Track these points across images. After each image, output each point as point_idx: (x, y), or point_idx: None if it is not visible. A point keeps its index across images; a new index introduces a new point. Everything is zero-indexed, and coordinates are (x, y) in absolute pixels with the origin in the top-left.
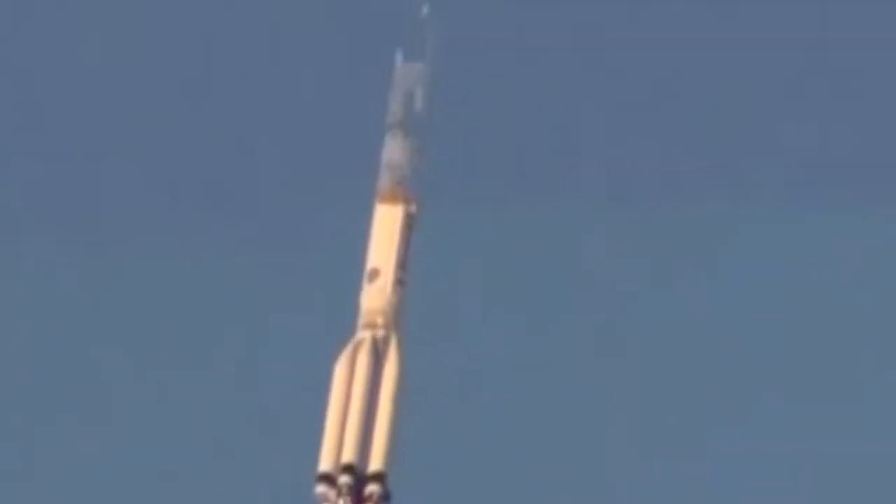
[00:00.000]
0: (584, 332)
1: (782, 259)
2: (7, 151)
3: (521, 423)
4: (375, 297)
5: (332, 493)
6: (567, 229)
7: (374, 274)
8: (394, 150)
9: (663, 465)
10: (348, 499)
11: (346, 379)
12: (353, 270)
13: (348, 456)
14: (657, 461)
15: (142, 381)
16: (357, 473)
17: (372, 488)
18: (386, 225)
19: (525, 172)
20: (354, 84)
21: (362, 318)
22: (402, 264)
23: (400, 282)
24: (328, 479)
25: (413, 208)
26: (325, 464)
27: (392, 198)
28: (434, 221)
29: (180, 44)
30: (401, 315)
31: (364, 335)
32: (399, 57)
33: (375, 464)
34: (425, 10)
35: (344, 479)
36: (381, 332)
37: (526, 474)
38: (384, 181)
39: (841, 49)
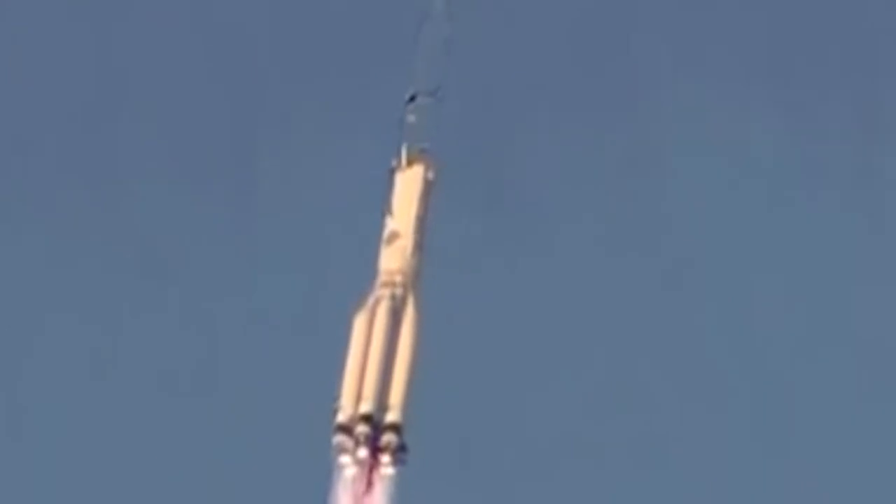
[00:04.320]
0: (598, 288)
1: None
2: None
3: (535, 381)
4: (394, 257)
5: (349, 443)
6: (579, 194)
7: (394, 236)
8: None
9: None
10: (365, 448)
11: (365, 334)
12: (372, 234)
13: (366, 406)
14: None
15: (169, 335)
16: (374, 422)
17: (388, 438)
18: (406, 190)
19: (540, 137)
20: (377, 50)
21: (381, 278)
22: (421, 228)
23: (419, 245)
24: (346, 429)
25: (431, 175)
26: (343, 415)
27: (412, 164)
28: (451, 188)
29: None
30: (419, 276)
31: (383, 293)
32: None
33: (392, 415)
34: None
35: (361, 429)
36: (399, 291)
37: (536, 430)
38: (405, 148)
39: None
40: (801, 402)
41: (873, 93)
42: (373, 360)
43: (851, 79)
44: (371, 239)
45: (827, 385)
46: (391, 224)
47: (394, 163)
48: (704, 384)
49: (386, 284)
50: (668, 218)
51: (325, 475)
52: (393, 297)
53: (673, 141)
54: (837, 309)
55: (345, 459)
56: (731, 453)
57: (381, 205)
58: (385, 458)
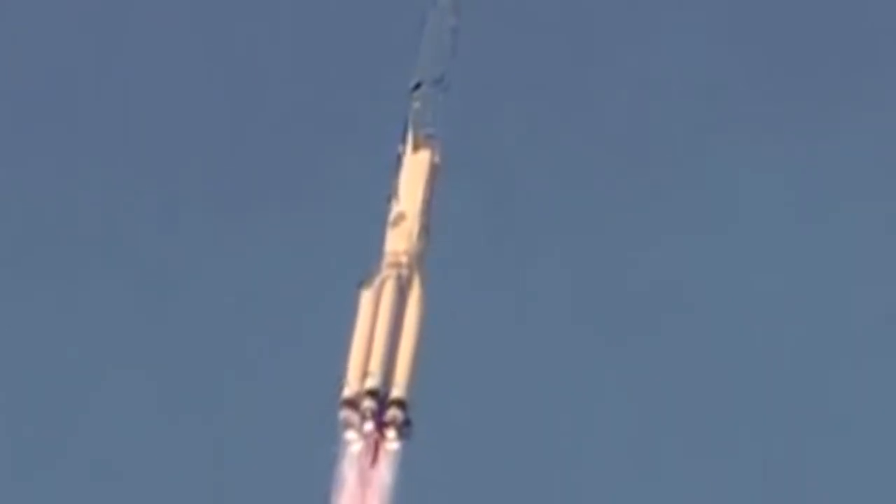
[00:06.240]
0: (599, 273)
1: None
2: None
3: (537, 360)
4: (400, 239)
5: (355, 418)
6: (583, 179)
7: (400, 218)
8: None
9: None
10: (371, 423)
11: (371, 311)
12: (379, 217)
13: (372, 382)
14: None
15: (174, 316)
16: (380, 398)
17: (393, 413)
18: (413, 174)
19: (543, 126)
20: (383, 38)
21: (387, 258)
22: (427, 211)
23: (425, 228)
24: (352, 404)
25: (438, 159)
26: (349, 391)
27: (418, 149)
28: (454, 175)
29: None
30: (424, 258)
31: (389, 272)
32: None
33: (397, 391)
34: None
35: (367, 404)
36: (405, 271)
37: (539, 407)
38: (411, 133)
39: None
40: (803, 406)
41: (874, 95)
42: (379, 337)
43: (852, 79)
44: (377, 222)
45: (828, 387)
46: (398, 206)
47: (400, 148)
48: (705, 379)
49: (392, 265)
50: (666, 209)
51: (331, 450)
52: (399, 277)
53: (673, 136)
54: (838, 310)
55: (350, 434)
56: (732, 456)
57: (389, 188)
58: (390, 433)
